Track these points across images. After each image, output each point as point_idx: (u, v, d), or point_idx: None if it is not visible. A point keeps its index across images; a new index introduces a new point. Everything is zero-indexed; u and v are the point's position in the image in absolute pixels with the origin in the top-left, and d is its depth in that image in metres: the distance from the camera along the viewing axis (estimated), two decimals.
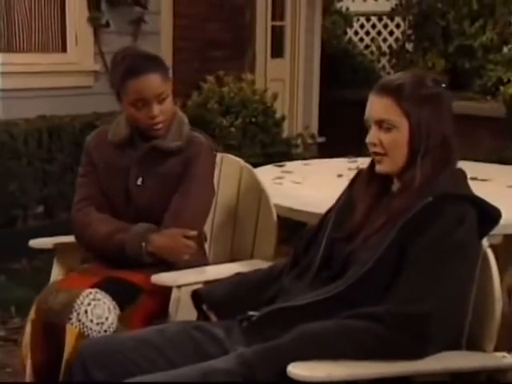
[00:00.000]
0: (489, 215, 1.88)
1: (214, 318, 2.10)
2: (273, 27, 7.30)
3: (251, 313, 1.95)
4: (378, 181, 1.98)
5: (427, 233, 1.80)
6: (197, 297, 2.14)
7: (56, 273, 2.63)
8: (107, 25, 5.32)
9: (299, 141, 6.30)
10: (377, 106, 1.92)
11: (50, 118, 4.78)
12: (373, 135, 1.93)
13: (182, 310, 2.28)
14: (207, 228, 2.75)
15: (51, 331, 2.21)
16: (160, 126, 2.41)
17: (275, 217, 2.60)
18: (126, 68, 2.36)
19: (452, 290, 1.78)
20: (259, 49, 7.10)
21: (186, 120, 2.52)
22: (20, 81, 4.91)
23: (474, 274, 1.88)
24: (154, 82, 2.37)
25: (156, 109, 2.38)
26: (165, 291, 2.29)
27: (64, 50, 5.23)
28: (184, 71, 5.91)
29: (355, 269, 1.87)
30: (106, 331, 2.16)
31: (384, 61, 9.49)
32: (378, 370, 1.71)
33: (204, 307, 2.12)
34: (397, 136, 1.89)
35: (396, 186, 1.95)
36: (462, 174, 1.95)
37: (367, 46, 9.82)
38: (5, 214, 4.42)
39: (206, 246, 2.71)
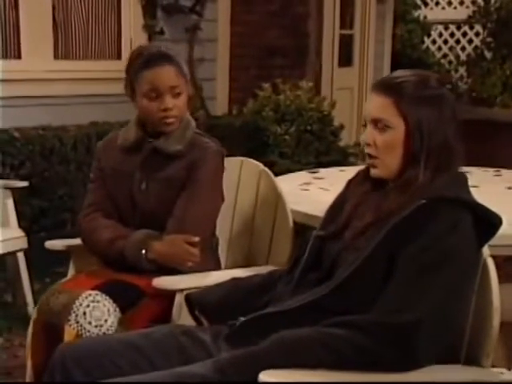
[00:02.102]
0: (488, 222, 1.77)
1: (205, 322, 2.06)
2: (341, 36, 7.25)
3: (242, 318, 1.91)
4: (372, 180, 1.92)
5: (417, 238, 1.72)
6: (189, 301, 2.11)
7: (72, 275, 2.64)
8: (162, 32, 5.37)
9: (357, 150, 6.21)
10: (374, 104, 1.86)
11: (102, 124, 4.85)
12: (367, 135, 1.86)
13: (185, 315, 2.25)
14: (225, 234, 2.72)
15: (51, 332, 2.20)
16: (172, 120, 2.40)
17: (291, 223, 2.55)
18: (142, 61, 2.38)
19: (441, 300, 1.68)
20: (326, 57, 7.05)
21: (192, 124, 2.50)
22: (74, 87, 5.01)
23: (471, 284, 1.78)
24: (168, 73, 2.37)
25: (169, 101, 2.37)
26: (168, 295, 2.26)
27: (119, 57, 5.32)
28: (241, 78, 5.92)
29: (341, 271, 1.80)
30: (104, 334, 2.16)
31: (462, 70, 9.27)
32: (355, 380, 1.64)
33: (196, 311, 2.09)
34: (391, 137, 1.82)
35: (391, 185, 1.87)
36: (462, 178, 1.85)
37: (445, 55, 9.61)
38: (54, 218, 4.50)
39: (222, 251, 2.68)
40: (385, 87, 1.84)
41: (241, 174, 2.74)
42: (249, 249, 2.69)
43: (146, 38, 5.37)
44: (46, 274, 4.13)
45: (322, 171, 3.47)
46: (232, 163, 2.76)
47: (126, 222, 2.45)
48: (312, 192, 3.04)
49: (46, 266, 3.99)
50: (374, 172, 1.88)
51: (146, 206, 2.42)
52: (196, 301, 2.09)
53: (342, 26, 7.30)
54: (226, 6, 5.83)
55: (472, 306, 1.80)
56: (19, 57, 4.89)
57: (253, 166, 2.74)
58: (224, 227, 2.74)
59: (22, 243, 3.67)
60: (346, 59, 7.42)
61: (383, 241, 1.75)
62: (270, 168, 5.10)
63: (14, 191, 3.88)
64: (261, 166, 2.71)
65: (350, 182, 2.03)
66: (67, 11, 5.12)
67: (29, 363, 2.26)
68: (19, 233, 3.70)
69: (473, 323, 1.81)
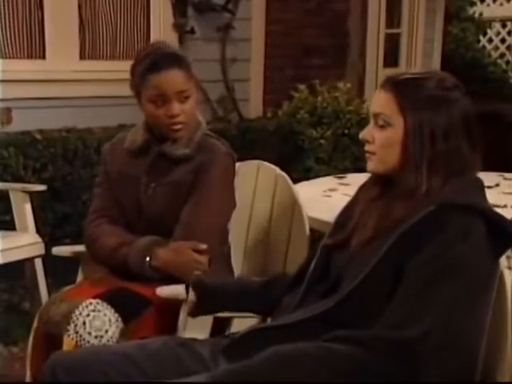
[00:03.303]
0: (505, 231, 1.72)
1: (193, 296, 2.08)
2: (387, 34, 7.19)
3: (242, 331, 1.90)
4: (381, 185, 1.89)
5: (425, 247, 1.68)
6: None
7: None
8: (192, 31, 5.38)
9: None
10: (376, 99, 1.85)
11: (130, 126, 4.86)
12: (367, 131, 1.86)
13: (191, 326, 2.24)
14: (241, 242, 2.71)
15: (51, 342, 2.21)
16: (179, 126, 2.38)
17: (308, 230, 2.53)
18: (148, 63, 2.36)
19: (449, 314, 1.63)
20: (370, 57, 7.00)
21: (202, 126, 2.48)
22: (101, 88, 5.05)
23: (485, 298, 1.72)
24: (176, 77, 2.35)
25: (176, 107, 2.35)
26: (175, 305, 2.26)
27: None
28: (276, 79, 5.90)
29: (346, 283, 1.77)
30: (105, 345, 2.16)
31: None
32: None
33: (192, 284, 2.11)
34: (390, 134, 1.80)
35: (396, 190, 1.84)
36: (477, 184, 1.81)
37: (502, 55, 9.48)
38: (78, 223, 4.52)
39: (238, 260, 2.67)
40: (390, 83, 1.82)
41: (257, 179, 2.73)
42: (265, 257, 2.68)
43: (176, 37, 5.38)
44: (67, 282, 4.16)
45: (349, 177, 3.44)
46: (248, 167, 2.76)
47: (132, 228, 2.45)
48: (334, 198, 3.01)
49: (66, 273, 4.02)
50: (368, 166, 1.87)
51: (152, 212, 2.41)
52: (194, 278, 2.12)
53: (388, 25, 7.25)
54: (261, 3, 5.82)
55: (488, 320, 1.75)
56: (44, 57, 4.95)
57: (269, 171, 2.72)
58: (240, 235, 2.73)
59: (40, 249, 3.70)
60: (391, 59, 7.35)
61: (389, 251, 1.71)
62: (306, 174, 5.11)
63: (33, 195, 3.93)
64: (277, 169, 2.69)
65: (361, 187, 2.00)
66: (94, 10, 5.17)
67: (28, 373, 2.28)
68: (36, 238, 3.74)
69: (487, 340, 1.75)
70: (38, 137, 4.36)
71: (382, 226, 1.78)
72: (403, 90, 1.80)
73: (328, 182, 3.34)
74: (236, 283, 2.15)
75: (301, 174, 5.21)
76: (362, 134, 1.87)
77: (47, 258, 3.75)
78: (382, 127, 1.82)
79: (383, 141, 1.82)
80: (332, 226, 1.98)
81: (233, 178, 2.46)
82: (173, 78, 2.35)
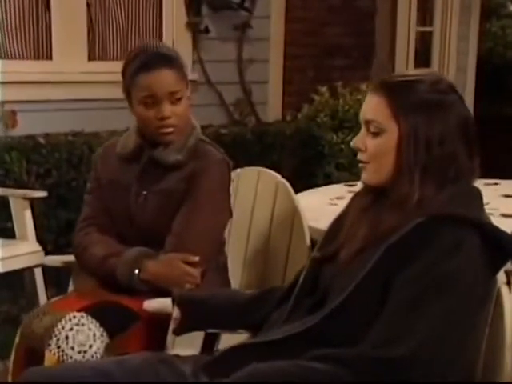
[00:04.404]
0: (502, 244, 1.69)
1: (177, 313, 2.07)
2: (418, 33, 7.15)
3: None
4: (373, 194, 1.86)
5: (413, 262, 1.65)
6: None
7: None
8: (207, 31, 5.38)
9: None
10: (367, 105, 1.82)
11: None
12: (359, 139, 1.83)
13: (181, 342, 2.23)
14: (240, 253, 2.70)
15: (33, 358, 2.20)
16: (170, 129, 2.37)
17: (308, 240, 2.51)
18: (139, 63, 2.35)
19: (439, 331, 1.60)
20: (399, 57, 6.96)
21: (197, 130, 2.47)
22: (111, 90, 5.04)
23: (480, 315, 1.69)
24: (167, 78, 2.35)
25: (167, 109, 2.34)
26: (164, 320, 2.25)
27: None
28: (296, 81, 5.88)
29: (332, 298, 1.75)
30: None
31: None
32: None
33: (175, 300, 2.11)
34: (384, 142, 1.78)
35: (389, 200, 1.81)
36: (473, 194, 1.78)
37: None
38: None
39: (237, 272, 2.66)
40: (381, 87, 1.79)
41: (257, 187, 2.72)
42: (264, 269, 2.67)
43: (190, 36, 5.38)
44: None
45: (360, 184, 3.40)
46: (248, 175, 2.75)
47: (123, 238, 2.44)
48: (340, 207, 2.96)
49: (67, 283, 4.04)
50: (363, 177, 1.86)
51: (143, 221, 2.40)
52: (177, 293, 2.12)
53: (420, 22, 7.20)
54: (280, 0, 5.81)
55: (485, 338, 1.72)
56: (50, 57, 4.98)
57: (270, 178, 2.71)
58: (239, 245, 2.73)
59: (39, 258, 3.71)
60: (423, 59, 7.30)
61: (377, 265, 1.69)
62: (326, 180, 5.07)
63: (35, 202, 3.95)
64: (278, 177, 2.68)
65: (354, 197, 1.98)
66: (104, 9, 5.19)
67: None
68: (36, 247, 3.76)
69: (484, 361, 1.73)
70: (42, 141, 4.38)
71: (371, 237, 1.75)
72: (396, 93, 1.77)
73: (337, 189, 3.31)
74: (223, 297, 2.13)
75: (320, 180, 5.18)
76: (354, 142, 1.84)
77: (48, 267, 3.77)
78: (374, 134, 1.79)
79: (376, 148, 1.79)
80: (323, 237, 1.96)
81: (228, 186, 2.44)
82: (164, 78, 2.34)
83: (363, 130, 1.83)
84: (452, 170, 1.75)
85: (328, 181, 5.08)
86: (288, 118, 5.69)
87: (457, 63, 7.48)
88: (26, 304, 4.02)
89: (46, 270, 3.78)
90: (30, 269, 3.76)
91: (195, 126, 2.48)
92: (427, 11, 7.41)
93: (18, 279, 3.86)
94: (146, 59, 2.35)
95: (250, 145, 5.06)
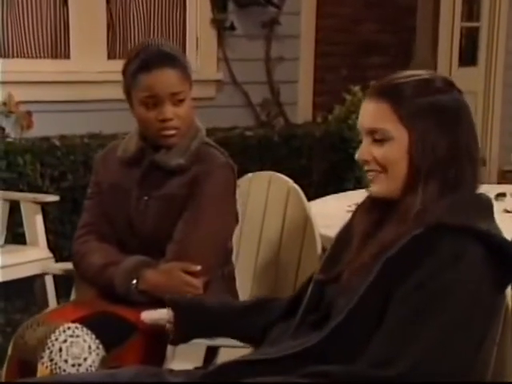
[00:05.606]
0: (510, 257, 1.65)
1: (170, 316, 2.08)
2: (463, 29, 7.09)
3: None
4: (380, 208, 1.83)
5: (411, 275, 1.63)
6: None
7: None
8: (233, 28, 5.39)
9: None
10: (368, 113, 1.78)
11: None
12: (363, 150, 1.78)
13: (180, 355, 2.23)
14: (250, 262, 2.69)
15: (26, 371, 2.21)
16: (172, 132, 2.37)
17: (320, 249, 2.50)
18: (140, 62, 2.35)
19: (439, 348, 1.58)
20: (442, 55, 6.91)
21: (202, 133, 2.46)
22: None
23: (485, 332, 1.66)
24: (169, 78, 2.34)
25: (169, 110, 2.34)
26: (163, 332, 2.24)
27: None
28: (328, 80, 5.85)
29: (333, 316, 1.74)
30: None
31: None
32: None
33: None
34: (392, 149, 1.74)
35: (396, 213, 1.78)
36: (480, 201, 1.74)
37: None
38: None
39: (247, 282, 2.65)
40: (379, 91, 1.76)
41: (269, 193, 2.70)
42: (275, 278, 2.66)
43: (215, 34, 5.39)
44: None
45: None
46: (259, 179, 2.75)
47: (123, 246, 2.44)
48: None
49: None
50: (374, 189, 1.80)
51: (144, 228, 2.40)
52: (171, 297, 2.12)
53: (466, 17, 7.13)
54: None
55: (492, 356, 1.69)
56: (68, 56, 5.02)
57: (282, 183, 2.69)
58: (250, 254, 2.71)
59: (49, 265, 3.74)
60: (469, 57, 7.24)
61: (376, 280, 1.67)
62: (358, 185, 5.02)
63: (49, 206, 3.98)
64: (290, 181, 2.66)
65: (356, 211, 1.94)
66: (125, 5, 5.22)
67: None
68: (47, 253, 3.79)
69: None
70: (57, 143, 4.41)
71: (373, 251, 1.73)
72: (398, 95, 1.74)
73: (358, 195, 3.26)
74: (218, 302, 2.13)
75: (351, 184, 5.14)
76: (358, 155, 1.79)
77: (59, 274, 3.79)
78: (380, 142, 1.75)
79: (386, 157, 1.75)
80: (324, 257, 1.93)
81: (233, 191, 2.42)
82: (165, 78, 2.34)
83: (366, 140, 1.78)
84: (455, 176, 1.72)
85: (359, 186, 5.04)
86: (318, 119, 5.66)
87: (505, 62, 7.39)
88: (37, 312, 4.04)
89: (57, 277, 3.81)
90: (41, 276, 3.79)
91: (200, 128, 2.47)
92: (474, 5, 7.33)
93: (29, 286, 3.89)
94: (147, 58, 2.35)
95: (276, 148, 5.04)
